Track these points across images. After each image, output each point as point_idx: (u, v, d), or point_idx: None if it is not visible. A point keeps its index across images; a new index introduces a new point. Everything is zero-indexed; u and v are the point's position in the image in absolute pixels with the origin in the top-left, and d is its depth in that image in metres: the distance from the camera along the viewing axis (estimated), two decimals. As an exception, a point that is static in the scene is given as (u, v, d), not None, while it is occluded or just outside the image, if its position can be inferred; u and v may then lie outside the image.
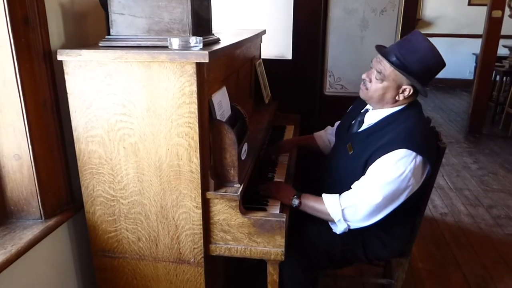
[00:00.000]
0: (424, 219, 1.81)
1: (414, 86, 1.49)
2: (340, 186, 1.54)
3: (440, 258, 2.56)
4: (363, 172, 1.50)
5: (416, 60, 1.46)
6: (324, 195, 1.54)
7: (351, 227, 1.52)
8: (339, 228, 1.54)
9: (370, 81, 1.56)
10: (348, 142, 1.64)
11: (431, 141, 1.56)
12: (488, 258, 2.56)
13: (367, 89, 1.57)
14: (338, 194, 1.52)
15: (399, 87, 1.50)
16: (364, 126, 1.64)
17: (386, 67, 1.49)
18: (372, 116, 1.61)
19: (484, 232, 2.87)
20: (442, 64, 1.51)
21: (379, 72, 1.51)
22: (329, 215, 1.51)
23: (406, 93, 1.50)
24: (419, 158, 1.44)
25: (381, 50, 1.55)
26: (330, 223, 1.58)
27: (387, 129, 1.52)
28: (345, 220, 1.50)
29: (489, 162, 4.19)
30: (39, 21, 1.26)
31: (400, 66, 1.46)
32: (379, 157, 1.45)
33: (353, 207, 1.48)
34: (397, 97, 1.52)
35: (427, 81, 1.50)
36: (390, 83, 1.50)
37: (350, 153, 1.60)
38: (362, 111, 1.71)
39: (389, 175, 1.43)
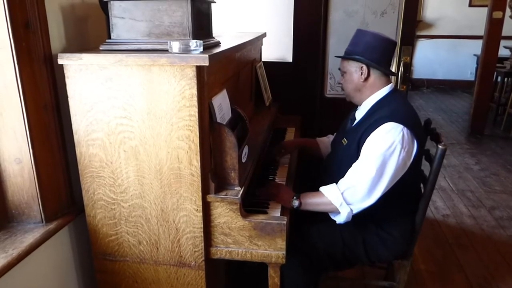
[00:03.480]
0: (426, 220, 1.82)
1: (365, 63, 1.62)
2: (338, 177, 1.56)
3: (442, 259, 2.55)
4: (357, 157, 1.56)
5: (355, 44, 1.68)
6: (321, 187, 1.57)
7: (354, 211, 1.53)
8: (342, 215, 1.54)
9: (342, 83, 1.75)
10: (343, 138, 1.73)
11: (416, 121, 1.63)
12: (490, 259, 2.55)
13: (344, 90, 1.76)
14: (334, 183, 1.55)
15: (356, 70, 1.66)
16: (355, 122, 1.72)
17: (341, 63, 1.72)
18: (361, 110, 1.71)
19: (486, 233, 2.86)
20: (374, 34, 1.64)
21: (340, 70, 1.73)
22: (331, 203, 1.52)
23: (364, 71, 1.64)
24: (406, 130, 1.50)
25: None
26: (332, 215, 1.58)
27: (374, 114, 1.62)
28: (347, 203, 1.52)
29: (491, 163, 4.18)
30: (40, 25, 1.26)
31: (346, 54, 1.69)
32: (368, 136, 1.53)
33: (352, 188, 1.51)
34: (361, 78, 1.65)
35: (374, 57, 1.63)
36: (349, 72, 1.68)
37: (345, 144, 1.69)
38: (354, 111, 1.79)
39: (379, 148, 1.49)
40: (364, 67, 1.63)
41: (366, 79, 1.64)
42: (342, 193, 1.51)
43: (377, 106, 1.64)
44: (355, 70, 1.65)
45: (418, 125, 1.63)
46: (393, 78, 2.44)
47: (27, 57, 1.24)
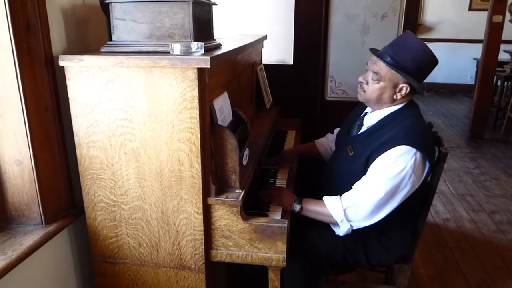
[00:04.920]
0: (426, 224, 1.81)
1: (410, 84, 1.51)
2: (342, 188, 1.53)
3: (442, 263, 2.55)
4: (363, 172, 1.51)
5: (409, 58, 1.49)
6: (325, 198, 1.54)
7: (354, 228, 1.51)
8: (341, 229, 1.53)
9: (367, 83, 1.57)
10: (349, 145, 1.66)
11: (429, 139, 1.58)
12: (491, 263, 2.55)
13: (364, 91, 1.58)
14: (339, 196, 1.52)
15: (395, 86, 1.52)
16: (363, 129, 1.65)
17: (381, 67, 1.51)
18: (371, 118, 1.63)
19: (486, 237, 2.86)
20: (435, 61, 1.53)
21: (376, 73, 1.53)
22: (332, 216, 1.50)
23: (403, 92, 1.52)
24: (419, 154, 1.44)
25: (376, 52, 1.58)
26: (332, 226, 1.58)
27: (385, 128, 1.54)
28: (348, 220, 1.49)
29: (491, 167, 4.18)
30: (41, 26, 1.26)
31: (395, 65, 1.49)
32: (379, 155, 1.46)
33: (355, 206, 1.48)
34: (394, 96, 1.54)
35: (422, 79, 1.53)
36: (387, 83, 1.52)
37: (351, 154, 1.62)
38: (361, 115, 1.72)
39: (390, 172, 1.44)
40: (408, 88, 1.50)
41: (399, 98, 1.53)
42: (344, 210, 1.48)
43: (390, 119, 1.56)
44: (394, 85, 1.50)
45: (430, 143, 1.57)
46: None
47: (28, 59, 1.23)
